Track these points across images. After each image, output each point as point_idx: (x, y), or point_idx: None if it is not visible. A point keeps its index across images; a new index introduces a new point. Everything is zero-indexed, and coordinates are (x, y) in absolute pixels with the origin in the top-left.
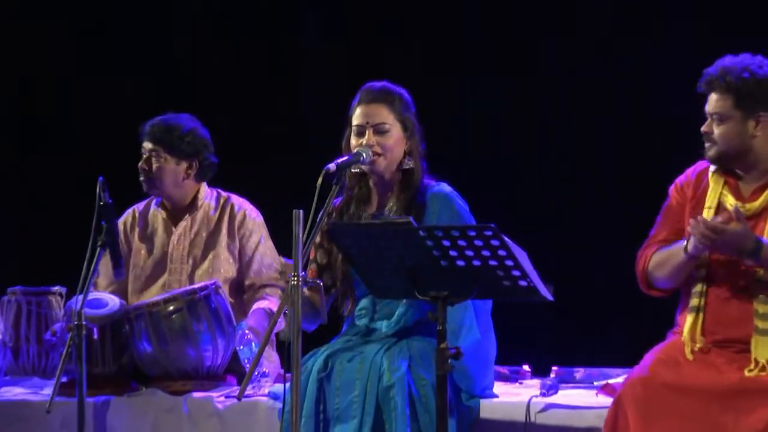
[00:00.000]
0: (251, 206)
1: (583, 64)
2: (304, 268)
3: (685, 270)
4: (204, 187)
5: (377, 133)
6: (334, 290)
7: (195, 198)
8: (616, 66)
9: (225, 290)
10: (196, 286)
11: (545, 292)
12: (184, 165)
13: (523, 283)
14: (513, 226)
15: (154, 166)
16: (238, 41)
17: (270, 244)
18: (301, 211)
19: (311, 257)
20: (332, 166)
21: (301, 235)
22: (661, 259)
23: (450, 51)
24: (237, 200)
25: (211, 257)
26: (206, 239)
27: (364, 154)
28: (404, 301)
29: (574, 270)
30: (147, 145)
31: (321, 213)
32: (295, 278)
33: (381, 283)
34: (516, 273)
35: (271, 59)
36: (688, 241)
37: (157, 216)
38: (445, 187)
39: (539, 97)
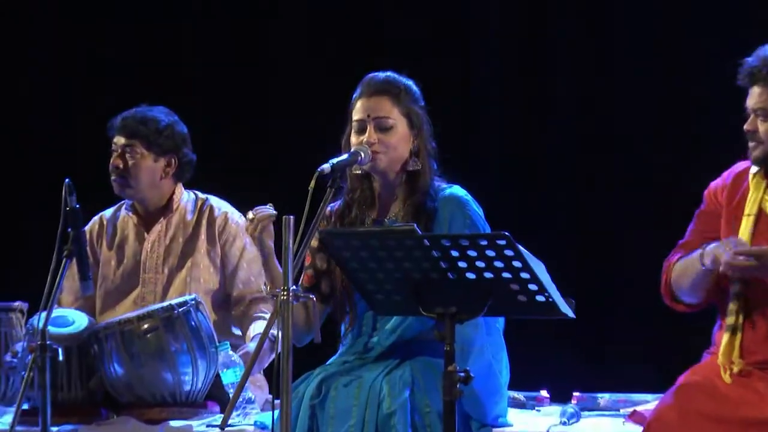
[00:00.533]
0: (233, 209)
1: (605, 59)
2: (296, 281)
3: (702, 284)
4: (180, 188)
5: (379, 129)
6: (333, 300)
7: (170, 200)
8: (643, 60)
9: (207, 303)
10: (173, 301)
11: (566, 309)
12: (162, 162)
13: (540, 298)
14: (529, 235)
15: (129, 162)
16: (218, 29)
17: (255, 250)
18: (291, 217)
19: (307, 262)
20: (326, 166)
21: (291, 244)
22: (681, 268)
23: (458, 40)
24: (217, 202)
25: (189, 265)
26: (183, 245)
27: (362, 154)
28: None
29: (597, 283)
30: (119, 140)
31: (315, 219)
32: (285, 292)
33: (382, 298)
34: (533, 287)
35: (253, 46)
36: (703, 253)
37: (128, 222)
38: (458, 190)
39: (558, 94)
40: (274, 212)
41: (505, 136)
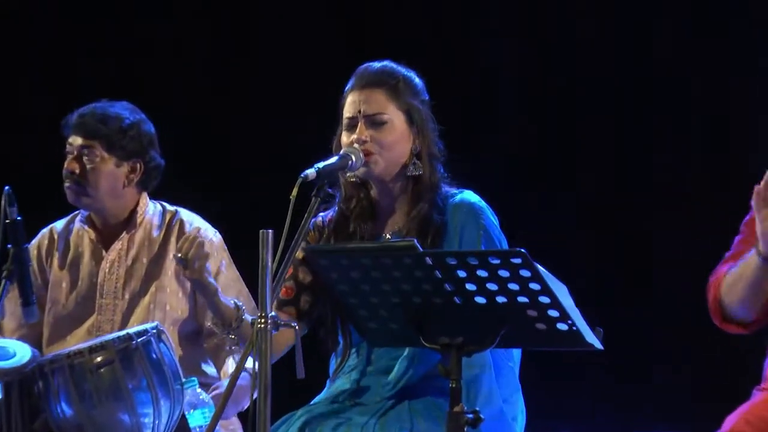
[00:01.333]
0: (206, 224)
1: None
2: (281, 307)
3: (762, 287)
4: (145, 199)
5: (371, 125)
6: (309, 319)
7: (133, 212)
8: (671, 55)
9: (173, 335)
10: (131, 330)
11: (592, 339)
12: (125, 167)
13: (562, 326)
14: (548, 251)
15: (87, 167)
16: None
17: (234, 272)
18: (270, 231)
19: (288, 274)
20: (311, 171)
21: (270, 263)
22: (733, 277)
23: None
24: (188, 216)
25: (154, 290)
26: (148, 266)
27: (353, 156)
28: (406, 351)
29: (628, 309)
30: (76, 140)
31: (298, 233)
32: (263, 320)
33: (376, 327)
34: (553, 313)
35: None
36: (758, 242)
37: (83, 237)
38: (470, 196)
39: (578, 93)
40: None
41: (519, 137)
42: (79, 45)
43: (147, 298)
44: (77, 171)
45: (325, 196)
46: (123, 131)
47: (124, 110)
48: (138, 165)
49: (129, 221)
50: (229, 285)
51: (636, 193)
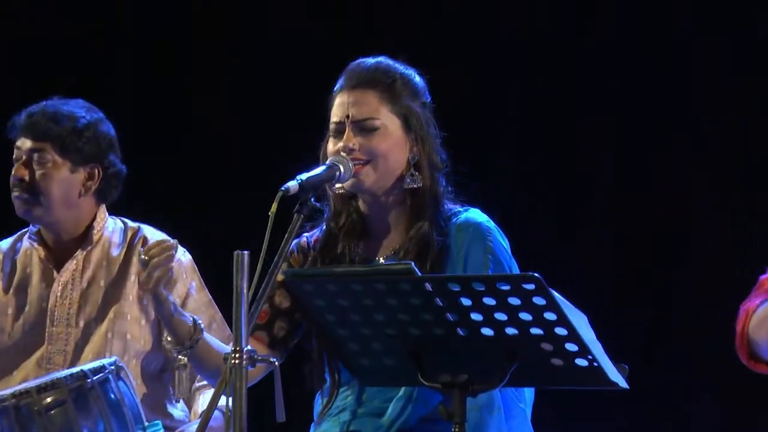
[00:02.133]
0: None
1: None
2: (252, 332)
3: None
4: (103, 213)
5: (360, 131)
6: (282, 349)
7: (89, 227)
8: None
9: (134, 369)
10: (86, 367)
11: (616, 377)
12: (81, 174)
13: (582, 362)
14: (566, 277)
15: (38, 173)
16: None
17: (205, 295)
18: (245, 253)
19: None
20: (293, 184)
21: (245, 289)
22: (765, 313)
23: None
24: (152, 233)
25: (112, 316)
26: (105, 290)
27: (341, 167)
28: (402, 391)
29: (656, 340)
30: (25, 142)
31: (279, 254)
32: (237, 354)
33: (368, 362)
34: (571, 347)
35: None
36: None
37: (32, 256)
38: (477, 215)
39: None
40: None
41: (535, 149)
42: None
43: (104, 326)
44: (26, 178)
45: (309, 213)
46: (78, 132)
47: (79, 108)
48: (96, 171)
49: (85, 237)
50: (199, 310)
51: (670, 217)
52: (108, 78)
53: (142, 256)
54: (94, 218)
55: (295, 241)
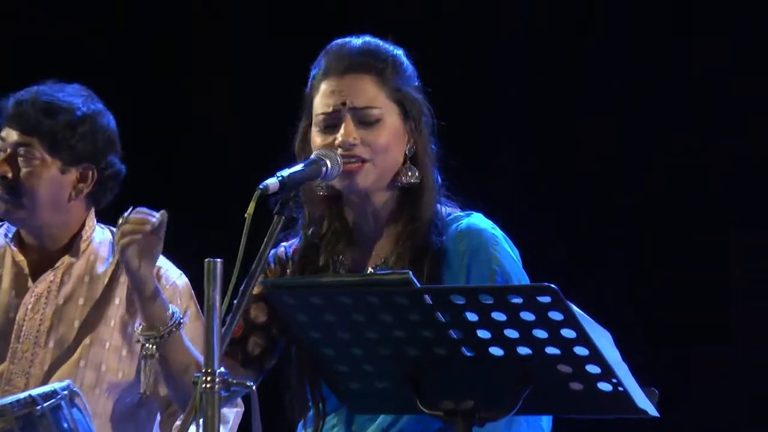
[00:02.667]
0: (169, 263)
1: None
2: (244, 351)
3: None
4: (92, 220)
5: (360, 123)
6: (256, 367)
7: (77, 236)
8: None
9: (106, 405)
10: (35, 392)
11: (644, 403)
12: (73, 174)
13: (605, 386)
14: (586, 289)
15: (23, 171)
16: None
17: (202, 325)
18: (218, 261)
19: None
20: (273, 182)
21: (217, 301)
22: None
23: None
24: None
25: (88, 342)
26: (84, 310)
27: (328, 162)
28: (398, 419)
29: (690, 358)
30: (10, 134)
31: (257, 262)
32: (209, 378)
33: (358, 387)
34: (593, 369)
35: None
36: None
37: (5, 256)
38: (480, 220)
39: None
40: (158, 219)
41: (543, 143)
42: None
43: (77, 353)
44: (9, 175)
45: (290, 215)
46: (72, 127)
47: (76, 97)
48: (90, 172)
49: (69, 247)
50: (194, 341)
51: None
52: (105, 78)
53: (120, 220)
54: (83, 225)
55: (271, 252)
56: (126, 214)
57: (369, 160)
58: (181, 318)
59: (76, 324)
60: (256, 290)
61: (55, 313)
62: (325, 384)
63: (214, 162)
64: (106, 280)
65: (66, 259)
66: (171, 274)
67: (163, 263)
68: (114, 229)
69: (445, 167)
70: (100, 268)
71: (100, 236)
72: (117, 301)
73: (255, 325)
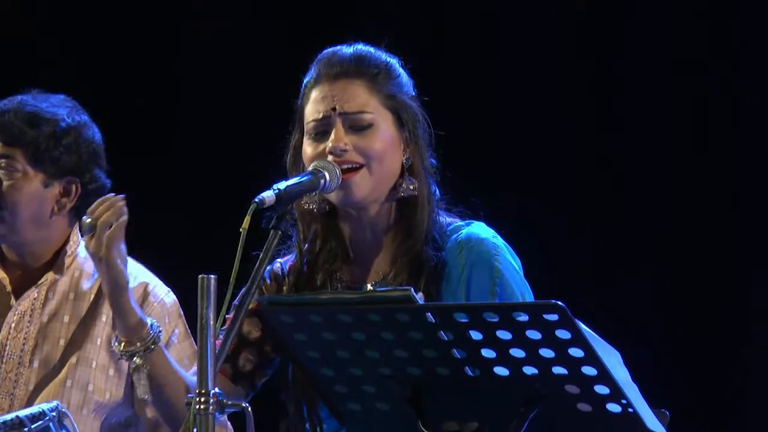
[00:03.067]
0: (156, 279)
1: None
2: (234, 366)
3: None
4: (77, 235)
5: (351, 129)
6: (256, 382)
7: (60, 252)
8: None
9: (92, 426)
10: (23, 413)
11: (655, 425)
12: (56, 188)
13: (614, 407)
14: (594, 304)
15: (4, 184)
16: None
17: (191, 345)
18: (212, 277)
19: (227, 322)
20: (269, 195)
21: (211, 319)
22: None
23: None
24: (132, 267)
25: (74, 362)
26: (70, 328)
27: (326, 174)
28: None
29: (705, 377)
30: None
31: (252, 279)
32: (203, 398)
33: (358, 408)
34: (602, 389)
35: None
36: None
37: None
38: (481, 229)
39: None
40: (125, 212)
41: (551, 146)
42: None
43: (63, 372)
44: None
45: (286, 230)
46: (56, 138)
47: (61, 108)
48: (73, 186)
49: (53, 263)
50: (182, 362)
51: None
52: (91, 86)
53: (87, 220)
54: (66, 241)
55: (267, 268)
56: (88, 220)
57: (364, 164)
58: (159, 329)
59: (62, 343)
60: (250, 306)
61: (40, 332)
62: (323, 405)
63: (206, 173)
64: (92, 296)
65: (50, 275)
66: (159, 291)
67: (151, 279)
68: None
69: (450, 176)
70: (86, 285)
71: (85, 252)
72: (104, 318)
73: (247, 341)
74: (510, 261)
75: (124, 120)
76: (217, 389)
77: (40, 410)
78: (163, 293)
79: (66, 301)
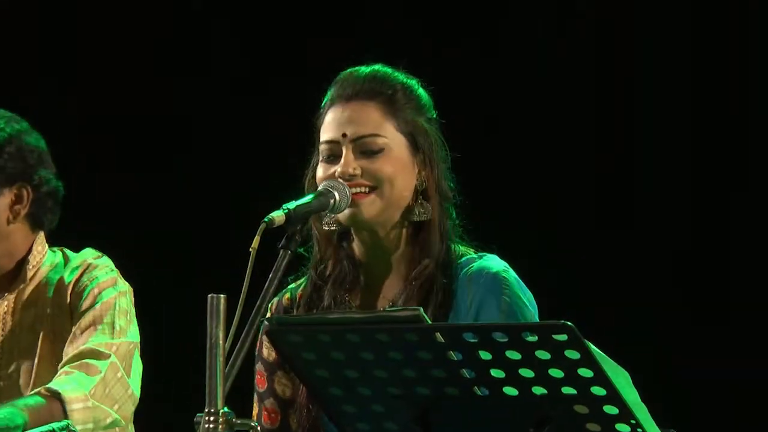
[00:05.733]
0: (110, 277)
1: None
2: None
3: None
4: (41, 244)
5: (362, 153)
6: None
7: (23, 261)
8: None
9: None
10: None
11: None
12: (7, 197)
13: (623, 428)
14: (600, 323)
15: None
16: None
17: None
18: (221, 297)
19: (260, 387)
20: (278, 215)
21: (221, 339)
22: None
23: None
24: (99, 268)
25: (42, 372)
26: (36, 338)
27: (336, 195)
28: None
29: (710, 397)
30: None
31: (261, 300)
32: (212, 417)
33: (368, 428)
34: (611, 409)
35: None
36: None
37: None
38: (493, 263)
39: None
40: None
41: (572, 175)
42: None
43: (32, 384)
44: None
45: (296, 249)
46: (0, 146)
47: None
48: (24, 191)
49: (17, 274)
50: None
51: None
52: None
53: None
54: (29, 250)
55: (275, 300)
56: None
57: (375, 188)
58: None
59: (38, 350)
60: (271, 357)
61: (9, 339)
62: (330, 424)
63: (216, 192)
64: (57, 306)
65: (13, 286)
66: (105, 280)
67: (105, 280)
68: (68, 252)
69: (468, 202)
70: (50, 293)
71: (51, 259)
72: (68, 327)
73: (287, 402)
74: (519, 294)
75: (128, 135)
76: (226, 408)
77: (51, 428)
78: (109, 281)
79: (32, 311)
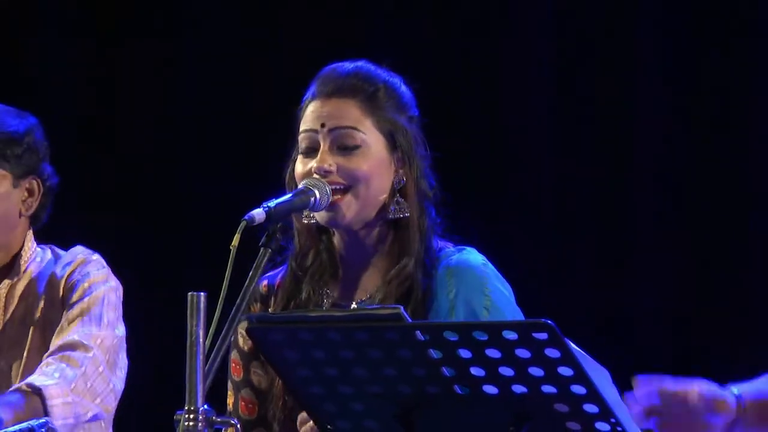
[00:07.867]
0: (101, 273)
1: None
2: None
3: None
4: (31, 240)
5: (339, 149)
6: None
7: (17, 256)
8: None
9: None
10: (11, 429)
11: None
12: (23, 188)
13: (603, 426)
14: (581, 322)
15: None
16: None
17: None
18: (202, 294)
19: (236, 375)
20: (259, 212)
21: (201, 336)
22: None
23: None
24: (91, 264)
25: (31, 366)
26: (27, 331)
27: (317, 192)
28: None
29: None
30: None
31: (241, 297)
32: (192, 416)
33: (348, 426)
34: (591, 408)
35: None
36: None
37: None
38: (473, 256)
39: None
40: None
41: (550, 172)
42: None
43: (21, 377)
44: None
45: (277, 247)
46: (17, 141)
47: (8, 114)
48: (35, 184)
49: (11, 268)
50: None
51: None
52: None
53: None
54: (23, 243)
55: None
56: None
57: (348, 189)
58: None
59: (20, 346)
60: (246, 347)
61: (4, 332)
62: (313, 422)
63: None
64: (47, 300)
65: (6, 281)
66: (97, 279)
67: (95, 274)
68: (57, 250)
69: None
70: (42, 288)
71: (41, 256)
72: (57, 321)
73: (263, 392)
74: (500, 289)
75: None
76: (205, 406)
77: (30, 426)
78: (101, 277)
79: (23, 305)
